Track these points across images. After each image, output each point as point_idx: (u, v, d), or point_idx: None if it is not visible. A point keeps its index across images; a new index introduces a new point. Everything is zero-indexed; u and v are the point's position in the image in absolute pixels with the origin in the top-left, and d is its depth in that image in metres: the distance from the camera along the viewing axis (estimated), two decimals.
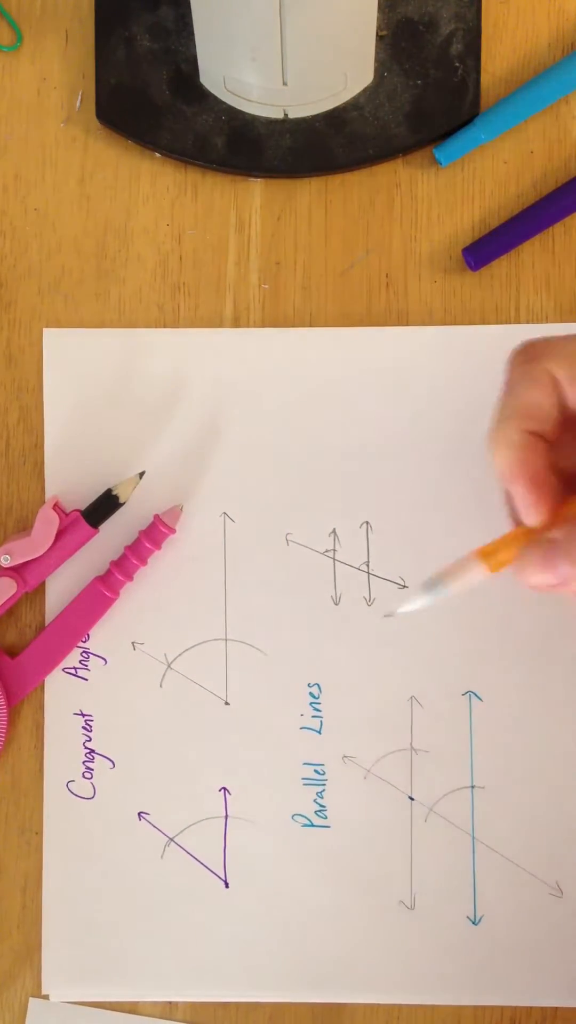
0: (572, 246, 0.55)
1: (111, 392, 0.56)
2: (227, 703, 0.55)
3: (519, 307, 0.55)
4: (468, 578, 0.45)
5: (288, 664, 0.55)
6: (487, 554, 0.45)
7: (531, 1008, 0.54)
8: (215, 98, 0.55)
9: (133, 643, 0.56)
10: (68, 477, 0.56)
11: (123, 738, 0.55)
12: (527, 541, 0.44)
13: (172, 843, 0.55)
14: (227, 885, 0.55)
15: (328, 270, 0.56)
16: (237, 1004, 0.55)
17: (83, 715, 0.56)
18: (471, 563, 0.45)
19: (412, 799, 0.55)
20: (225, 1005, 0.55)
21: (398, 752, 0.55)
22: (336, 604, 0.55)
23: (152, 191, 0.56)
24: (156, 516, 0.54)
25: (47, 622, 0.56)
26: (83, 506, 0.55)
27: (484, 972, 0.54)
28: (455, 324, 0.55)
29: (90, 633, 0.55)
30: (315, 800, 0.55)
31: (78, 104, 0.56)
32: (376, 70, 0.54)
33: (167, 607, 0.55)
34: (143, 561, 0.54)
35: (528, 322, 0.55)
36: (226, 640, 0.55)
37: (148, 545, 0.54)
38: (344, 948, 0.54)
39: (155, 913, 0.55)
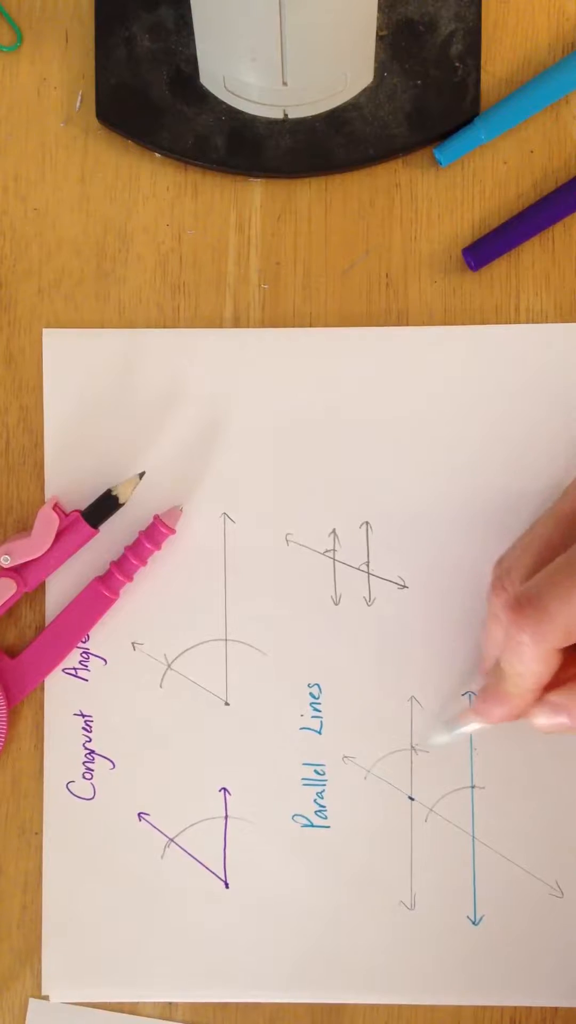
0: (572, 246, 0.55)
1: (111, 392, 0.56)
2: (227, 703, 0.55)
3: (519, 307, 0.55)
4: (476, 726, 0.52)
5: (288, 664, 0.55)
6: None
7: (531, 1008, 0.54)
8: (215, 98, 0.55)
9: (133, 643, 0.56)
10: (68, 477, 0.56)
11: (123, 738, 0.55)
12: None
13: (172, 843, 0.55)
14: (227, 885, 0.55)
15: (328, 270, 0.56)
16: (237, 1004, 0.55)
17: (83, 715, 0.55)
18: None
19: (412, 799, 0.55)
20: (225, 1005, 0.55)
21: (398, 752, 0.55)
22: (336, 604, 0.55)
23: (152, 191, 0.56)
24: (156, 516, 0.54)
25: (47, 622, 0.56)
26: (83, 506, 0.55)
27: (484, 972, 0.54)
28: (455, 324, 0.55)
29: (90, 633, 0.55)
30: (315, 800, 0.55)
31: (78, 104, 0.56)
32: (376, 70, 0.54)
33: (167, 607, 0.55)
34: (143, 561, 0.54)
35: (528, 322, 0.55)
36: (226, 640, 0.55)
37: (148, 545, 0.54)
38: (344, 948, 0.54)
39: (155, 913, 0.55)
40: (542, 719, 0.48)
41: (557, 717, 0.48)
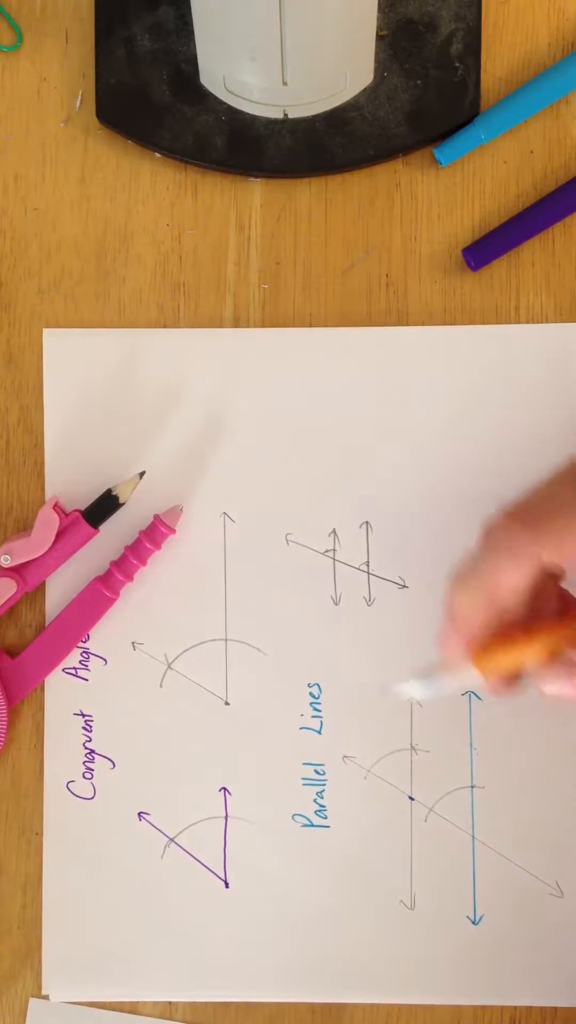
0: (572, 246, 0.55)
1: (111, 392, 0.56)
2: (227, 703, 0.55)
3: (519, 307, 0.55)
4: (462, 681, 0.47)
5: (288, 664, 0.55)
6: (482, 659, 0.46)
7: (531, 1008, 0.54)
8: (215, 98, 0.55)
9: (133, 643, 0.56)
10: (68, 477, 0.56)
11: (123, 738, 0.55)
12: (535, 653, 0.45)
13: (172, 843, 0.55)
14: (227, 885, 0.55)
15: (328, 270, 0.56)
16: (237, 1004, 0.55)
17: (83, 715, 0.56)
18: (466, 669, 0.47)
19: (412, 799, 0.55)
20: (225, 1005, 0.55)
21: (398, 752, 0.55)
22: (336, 604, 0.55)
23: (152, 191, 0.56)
24: (156, 516, 0.54)
25: (47, 622, 0.56)
26: (83, 506, 0.55)
27: (484, 972, 0.54)
28: (455, 324, 0.55)
29: (90, 633, 0.55)
30: (315, 800, 0.55)
31: (78, 104, 0.56)
32: (376, 70, 0.54)
33: (167, 607, 0.55)
34: (143, 561, 0.54)
35: (528, 322, 0.55)
36: (226, 640, 0.55)
37: (148, 545, 0.54)
38: (344, 948, 0.54)
39: (155, 913, 0.55)
40: (558, 685, 0.45)
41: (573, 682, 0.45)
